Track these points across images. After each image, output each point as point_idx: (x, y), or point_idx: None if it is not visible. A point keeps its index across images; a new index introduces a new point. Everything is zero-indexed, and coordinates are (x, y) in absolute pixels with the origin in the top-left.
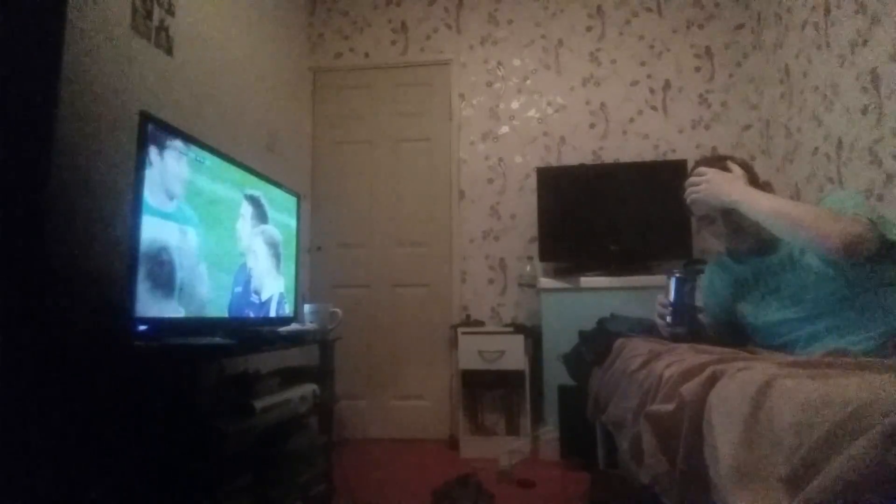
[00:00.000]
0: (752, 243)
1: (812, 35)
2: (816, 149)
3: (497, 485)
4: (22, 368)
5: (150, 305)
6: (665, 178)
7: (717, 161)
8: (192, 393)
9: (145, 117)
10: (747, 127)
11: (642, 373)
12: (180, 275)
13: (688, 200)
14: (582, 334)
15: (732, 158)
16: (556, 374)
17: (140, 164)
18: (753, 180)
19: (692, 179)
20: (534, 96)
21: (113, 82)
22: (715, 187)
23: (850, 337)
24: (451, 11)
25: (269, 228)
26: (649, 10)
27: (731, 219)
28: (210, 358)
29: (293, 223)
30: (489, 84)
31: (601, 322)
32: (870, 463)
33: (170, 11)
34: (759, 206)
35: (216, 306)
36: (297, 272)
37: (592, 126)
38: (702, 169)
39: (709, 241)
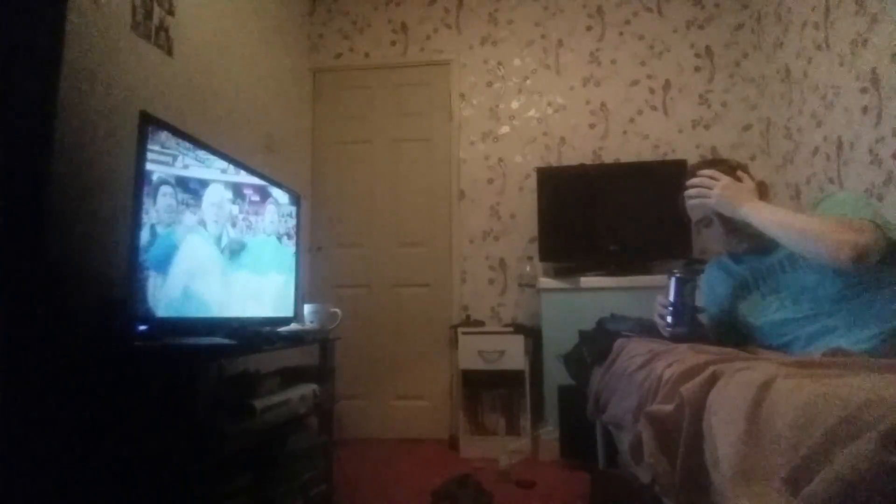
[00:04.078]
0: (751, 244)
1: (812, 35)
2: (816, 149)
3: (497, 485)
4: (22, 368)
5: (151, 306)
6: (665, 178)
7: (721, 164)
8: (192, 393)
9: (145, 117)
10: (747, 127)
11: (642, 373)
12: (180, 275)
13: (693, 202)
14: (582, 334)
15: (727, 161)
16: (556, 374)
17: (140, 163)
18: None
19: (703, 181)
20: (534, 96)
21: (113, 82)
22: (729, 195)
23: (850, 337)
24: (451, 11)
25: (269, 228)
26: (649, 10)
27: (726, 220)
28: (210, 358)
29: (293, 223)
30: (489, 84)
31: (601, 322)
32: (870, 463)
33: (170, 11)
34: (769, 220)
35: (216, 306)
36: (298, 272)
37: (592, 126)
38: (716, 173)
39: (709, 242)
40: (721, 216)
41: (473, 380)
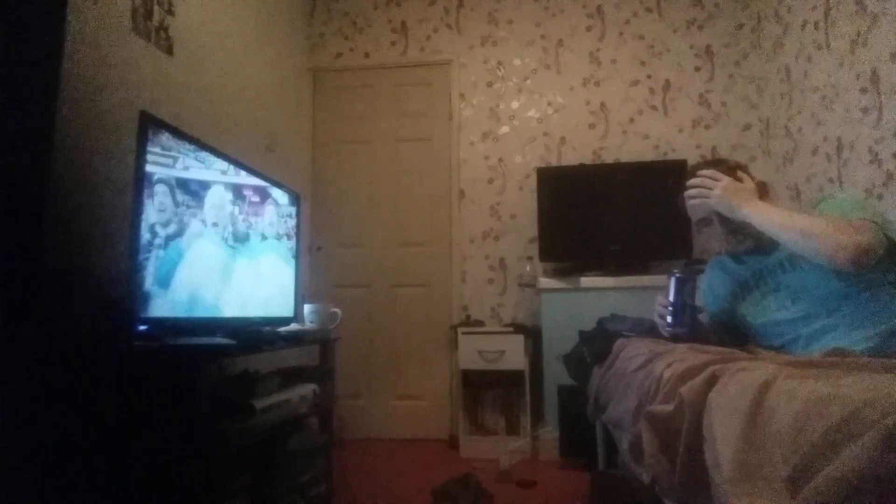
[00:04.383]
0: (751, 244)
1: (812, 35)
2: (816, 149)
3: (497, 485)
4: (22, 368)
5: (151, 305)
6: (665, 178)
7: (721, 164)
8: (192, 393)
9: (145, 117)
10: (747, 127)
11: (642, 373)
12: (181, 275)
13: (694, 202)
14: (582, 334)
15: (726, 162)
16: (556, 374)
17: (140, 163)
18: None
19: (702, 181)
20: (534, 96)
21: (113, 82)
22: (729, 196)
23: (850, 337)
24: (451, 11)
25: (269, 228)
26: (649, 10)
27: (726, 220)
28: (210, 358)
29: (293, 223)
30: (489, 84)
31: (601, 322)
32: (870, 463)
33: (170, 11)
34: (770, 220)
35: (216, 306)
36: (297, 272)
37: (592, 126)
38: (717, 174)
39: (709, 241)
40: (721, 216)
41: (473, 380)
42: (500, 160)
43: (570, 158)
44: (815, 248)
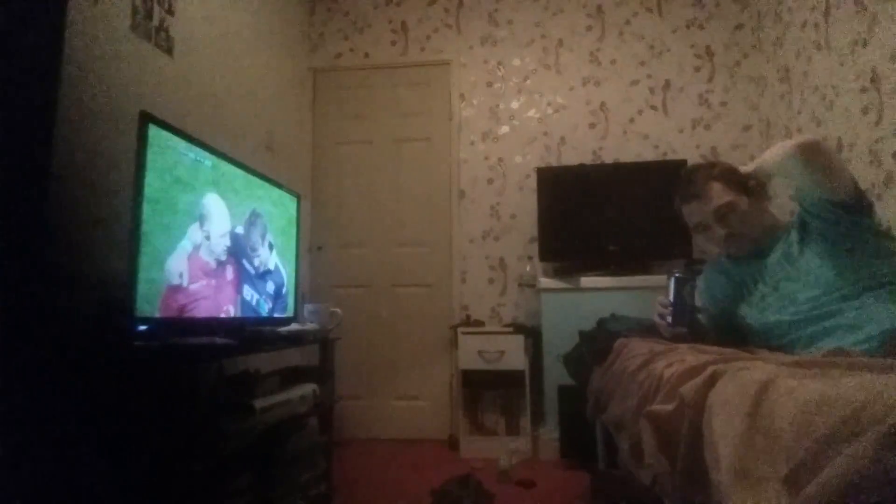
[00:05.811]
0: (749, 246)
1: (812, 35)
2: None
3: (497, 485)
4: (22, 368)
5: (151, 306)
6: (665, 178)
7: (713, 167)
8: (192, 393)
9: (145, 117)
10: (747, 127)
11: (642, 373)
12: (181, 274)
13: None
14: (582, 334)
15: (720, 164)
16: (556, 374)
17: (140, 164)
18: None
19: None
20: (534, 96)
21: (113, 82)
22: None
23: (850, 337)
24: (451, 11)
25: (269, 228)
26: (649, 10)
27: (727, 222)
28: (210, 358)
29: (293, 223)
30: (489, 84)
31: (601, 322)
32: (870, 463)
33: (170, 11)
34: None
35: (216, 306)
36: (297, 272)
37: (592, 126)
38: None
39: (707, 244)
40: (718, 219)
41: (473, 380)
42: (500, 160)
43: (570, 158)
44: (781, 146)
